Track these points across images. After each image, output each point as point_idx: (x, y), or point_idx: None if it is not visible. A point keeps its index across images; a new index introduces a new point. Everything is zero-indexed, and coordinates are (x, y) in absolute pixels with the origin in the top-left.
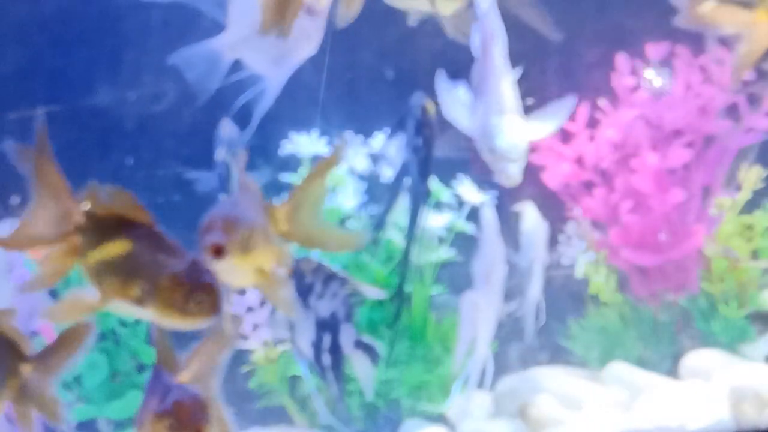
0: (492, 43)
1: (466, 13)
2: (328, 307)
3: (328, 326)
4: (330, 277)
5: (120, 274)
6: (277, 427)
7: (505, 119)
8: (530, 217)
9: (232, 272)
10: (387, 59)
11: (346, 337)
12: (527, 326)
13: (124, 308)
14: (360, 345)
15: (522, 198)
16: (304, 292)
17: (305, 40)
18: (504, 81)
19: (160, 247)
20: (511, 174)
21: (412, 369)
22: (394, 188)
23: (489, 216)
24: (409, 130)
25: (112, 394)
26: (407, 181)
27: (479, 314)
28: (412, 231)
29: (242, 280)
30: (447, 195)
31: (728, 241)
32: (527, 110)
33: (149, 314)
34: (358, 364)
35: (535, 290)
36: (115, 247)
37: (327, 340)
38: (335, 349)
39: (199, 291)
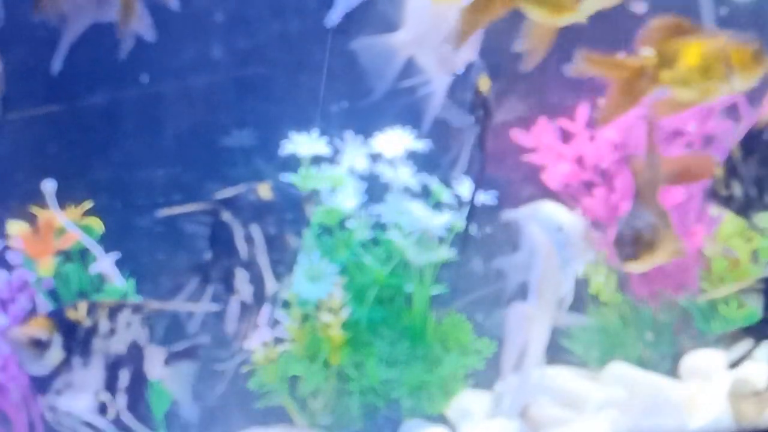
0: None
1: None
2: (123, 340)
3: (126, 360)
4: (116, 309)
5: None
6: (277, 427)
7: None
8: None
9: None
10: None
11: (153, 359)
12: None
13: None
14: (174, 357)
15: (522, 198)
16: (82, 340)
17: (467, 45)
18: None
19: None
20: None
21: (412, 369)
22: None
23: (536, 229)
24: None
25: None
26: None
27: (532, 326)
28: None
29: None
30: (447, 195)
31: (728, 241)
32: None
33: None
34: (174, 378)
35: None
36: None
37: (124, 376)
38: (137, 381)
39: None
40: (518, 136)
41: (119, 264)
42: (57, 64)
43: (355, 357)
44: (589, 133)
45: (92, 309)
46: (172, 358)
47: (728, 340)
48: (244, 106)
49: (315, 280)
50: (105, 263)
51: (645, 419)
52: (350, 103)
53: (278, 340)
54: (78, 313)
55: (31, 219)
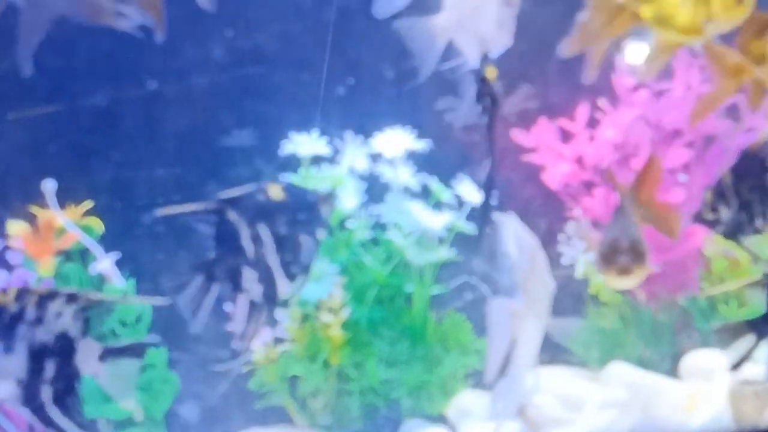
0: None
1: None
2: (51, 330)
3: (54, 351)
4: (47, 298)
5: None
6: (277, 427)
7: None
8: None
9: None
10: (387, 59)
11: (87, 353)
12: None
13: None
14: (111, 354)
15: (522, 198)
16: (6, 325)
17: (504, 30)
18: None
19: None
20: None
21: (412, 369)
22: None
23: (510, 226)
24: (469, 98)
25: None
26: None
27: (520, 325)
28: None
29: None
30: (447, 195)
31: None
32: None
33: None
34: (112, 374)
35: None
36: None
37: (50, 368)
38: (66, 375)
39: None
40: (518, 136)
41: (119, 264)
42: (27, 68)
43: (355, 357)
44: (589, 133)
45: (21, 295)
46: (108, 355)
47: (728, 333)
48: (244, 106)
49: (315, 280)
50: (105, 263)
51: (645, 419)
52: (351, 103)
53: (278, 340)
54: (6, 297)
55: (31, 219)
